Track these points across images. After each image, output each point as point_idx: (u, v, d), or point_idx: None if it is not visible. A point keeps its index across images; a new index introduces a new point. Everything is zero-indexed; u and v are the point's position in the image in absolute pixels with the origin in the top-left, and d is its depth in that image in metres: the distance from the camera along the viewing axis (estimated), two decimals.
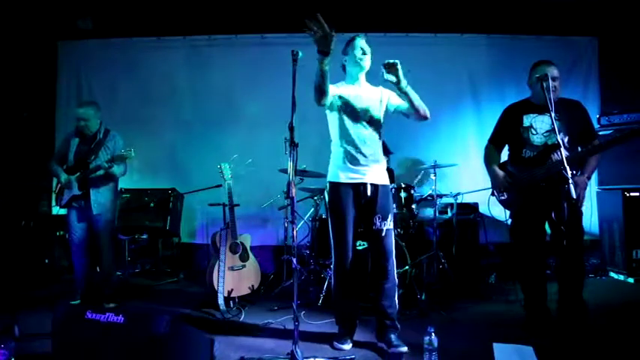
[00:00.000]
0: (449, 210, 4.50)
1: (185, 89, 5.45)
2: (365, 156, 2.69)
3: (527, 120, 2.88)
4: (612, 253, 4.58)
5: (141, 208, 4.86)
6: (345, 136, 2.72)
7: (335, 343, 2.68)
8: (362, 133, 2.70)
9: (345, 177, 2.70)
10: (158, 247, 5.04)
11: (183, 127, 5.42)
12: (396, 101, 2.77)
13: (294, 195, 2.31)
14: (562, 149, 2.48)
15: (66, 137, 3.75)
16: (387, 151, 4.61)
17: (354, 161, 2.69)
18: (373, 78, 2.76)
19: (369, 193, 2.68)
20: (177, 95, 5.45)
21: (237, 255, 3.60)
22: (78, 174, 3.52)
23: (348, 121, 2.71)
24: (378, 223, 2.68)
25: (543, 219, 2.87)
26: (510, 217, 3.04)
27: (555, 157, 2.76)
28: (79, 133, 3.64)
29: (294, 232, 2.33)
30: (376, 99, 2.76)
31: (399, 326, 2.70)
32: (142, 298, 3.92)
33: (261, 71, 5.19)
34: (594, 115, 4.49)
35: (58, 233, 4.74)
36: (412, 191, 4.06)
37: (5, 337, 2.25)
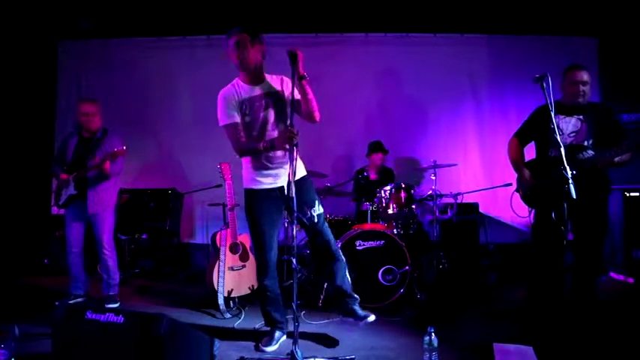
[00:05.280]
0: (449, 210, 4.50)
1: (185, 89, 5.46)
2: (275, 158, 2.64)
3: (555, 121, 2.91)
4: (612, 253, 4.57)
5: (141, 208, 4.85)
6: None
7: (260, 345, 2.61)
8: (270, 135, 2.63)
9: (259, 184, 2.70)
10: (158, 247, 5.04)
11: (183, 127, 5.42)
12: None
13: (294, 195, 2.31)
14: (562, 150, 2.48)
15: (65, 137, 3.75)
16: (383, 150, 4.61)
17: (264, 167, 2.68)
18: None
19: (286, 192, 2.60)
20: (177, 95, 5.45)
21: (237, 255, 3.60)
22: (75, 173, 3.51)
23: None
24: (309, 213, 2.65)
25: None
26: (533, 215, 3.07)
27: (581, 157, 2.81)
28: (79, 131, 3.64)
29: (294, 232, 2.33)
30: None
31: (357, 297, 2.72)
32: (142, 298, 3.91)
33: None
34: None
35: (57, 233, 4.74)
36: (412, 191, 4.06)
37: (5, 337, 2.24)
